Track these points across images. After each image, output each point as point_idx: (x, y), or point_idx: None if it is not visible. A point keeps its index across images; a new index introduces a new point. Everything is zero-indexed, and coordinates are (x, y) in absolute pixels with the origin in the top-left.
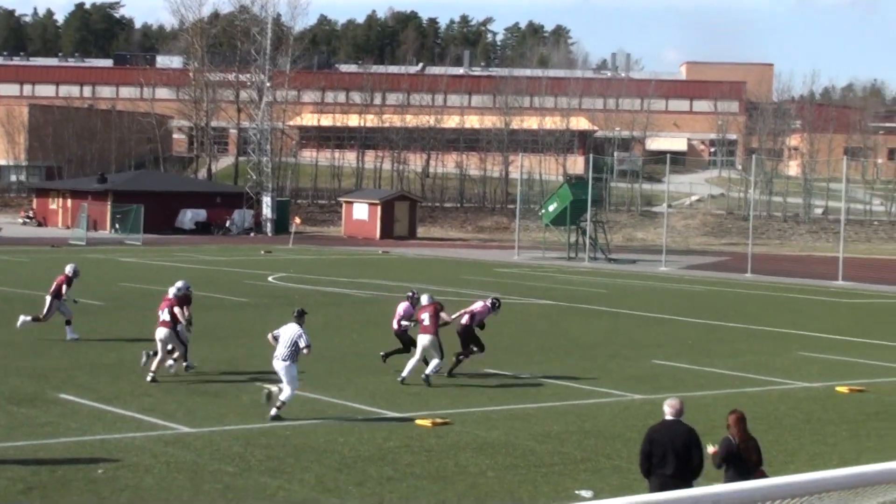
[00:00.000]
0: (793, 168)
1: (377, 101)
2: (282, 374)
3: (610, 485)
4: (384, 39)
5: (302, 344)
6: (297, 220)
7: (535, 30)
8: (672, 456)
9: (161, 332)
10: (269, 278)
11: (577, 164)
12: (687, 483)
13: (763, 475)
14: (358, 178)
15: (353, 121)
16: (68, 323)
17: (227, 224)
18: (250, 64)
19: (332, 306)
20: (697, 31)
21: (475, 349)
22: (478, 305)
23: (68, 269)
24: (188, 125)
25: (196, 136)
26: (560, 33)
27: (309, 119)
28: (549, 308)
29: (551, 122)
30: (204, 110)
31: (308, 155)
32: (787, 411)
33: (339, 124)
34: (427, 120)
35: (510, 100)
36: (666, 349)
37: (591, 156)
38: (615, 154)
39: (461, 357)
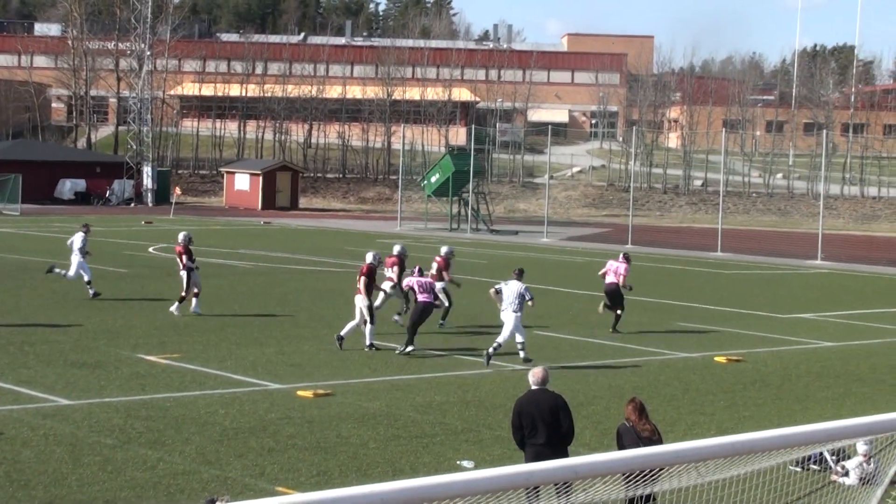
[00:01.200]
0: (673, 140)
1: (259, 70)
2: (511, 323)
3: (491, 455)
4: (266, 9)
5: (528, 297)
6: (178, 191)
7: (417, 0)
8: (542, 425)
9: None
10: (150, 249)
11: (459, 135)
12: (561, 450)
13: None
14: (239, 148)
15: (235, 90)
16: None
17: (108, 194)
18: (130, 32)
19: (214, 277)
20: (579, 2)
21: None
22: (619, 266)
23: None
24: (67, 94)
25: (75, 105)
26: (442, 4)
27: (190, 88)
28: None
29: (433, 93)
30: (83, 79)
31: (189, 125)
32: (666, 381)
33: (220, 94)
34: (309, 90)
35: (392, 70)
36: (547, 320)
37: (473, 127)
38: (497, 125)
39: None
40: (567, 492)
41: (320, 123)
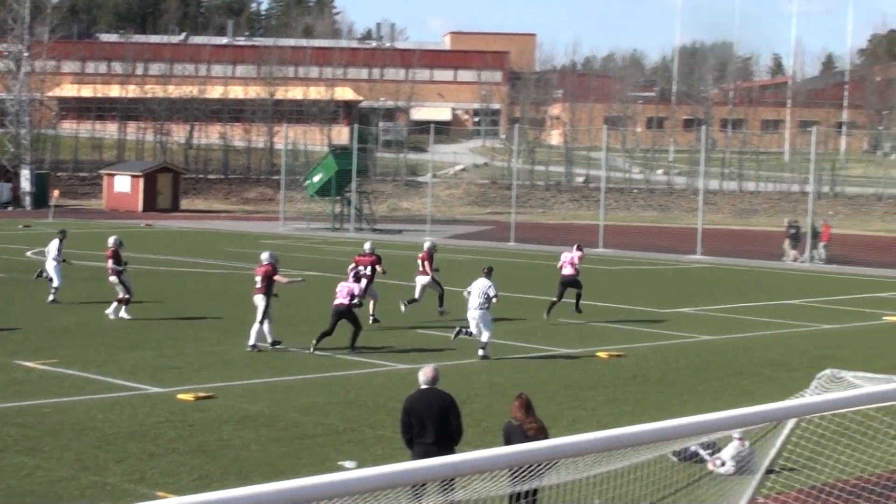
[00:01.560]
0: (555, 137)
1: (139, 71)
2: (478, 321)
3: (374, 454)
4: (146, 9)
5: (492, 293)
6: (56, 193)
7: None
8: (431, 424)
9: None
10: (28, 253)
11: (342, 134)
12: (449, 449)
13: None
14: (120, 149)
15: (115, 91)
16: None
17: None
18: (7, 33)
19: (92, 280)
20: (462, 1)
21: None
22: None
23: None
24: None
25: None
26: (324, 3)
27: (69, 90)
28: (314, 279)
29: (316, 93)
30: None
31: (68, 126)
32: (547, 378)
33: (100, 95)
34: (190, 90)
35: (274, 70)
36: (431, 318)
37: (355, 126)
38: (380, 124)
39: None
40: (450, 489)
41: (202, 124)
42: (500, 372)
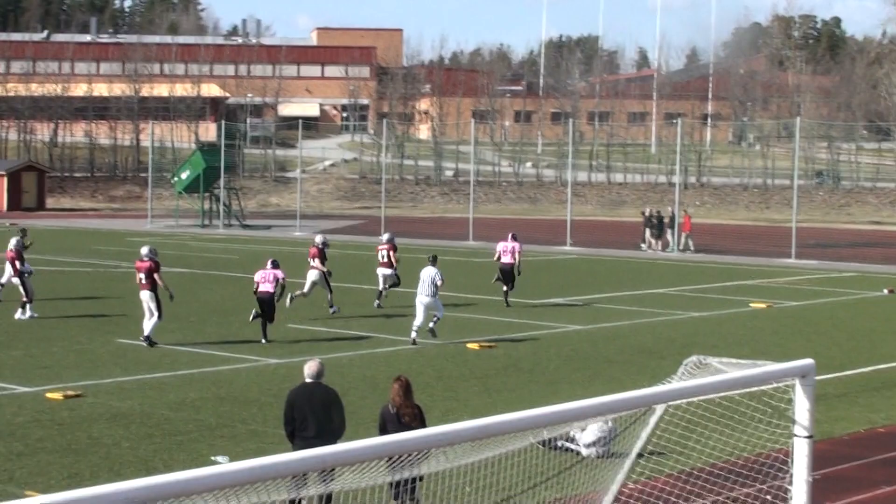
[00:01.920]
0: (423, 132)
1: (1, 69)
2: (429, 308)
3: (246, 449)
4: (7, 6)
5: (438, 281)
6: None
7: None
8: (313, 418)
9: None
10: None
11: (209, 131)
12: (331, 444)
13: None
14: None
15: None
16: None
17: None
18: None
19: None
20: None
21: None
22: (514, 246)
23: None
24: None
25: None
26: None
27: None
28: (183, 276)
29: (182, 89)
30: None
31: None
32: (420, 369)
33: None
34: (54, 88)
35: (139, 67)
36: (301, 313)
37: (223, 122)
38: (248, 120)
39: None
40: (330, 480)
41: (66, 122)
42: (373, 365)
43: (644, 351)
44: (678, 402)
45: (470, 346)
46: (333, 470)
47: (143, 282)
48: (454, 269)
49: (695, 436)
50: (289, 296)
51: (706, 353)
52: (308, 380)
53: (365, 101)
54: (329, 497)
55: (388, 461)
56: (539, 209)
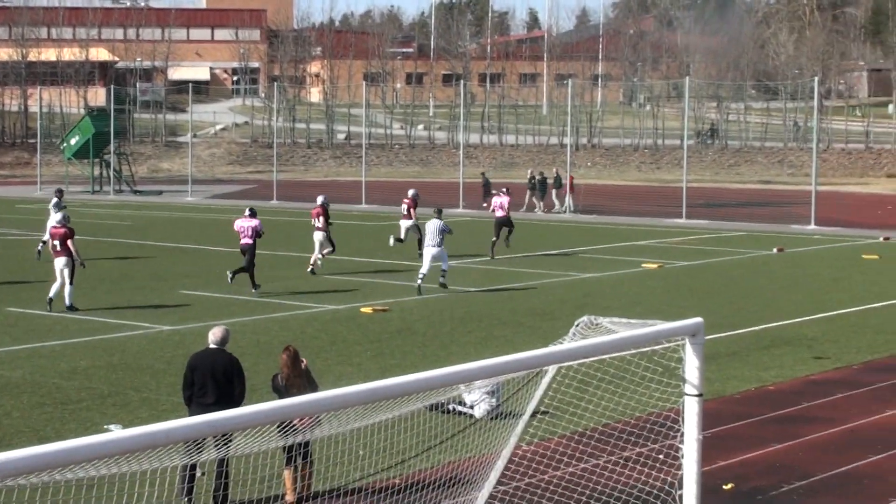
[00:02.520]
0: (315, 95)
1: None
2: (435, 258)
3: (139, 417)
4: None
5: (446, 231)
6: None
7: None
8: (213, 385)
9: None
10: None
11: (98, 95)
12: None
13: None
14: None
15: None
16: None
17: None
18: None
19: None
20: None
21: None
22: (503, 200)
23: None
24: None
25: None
26: None
27: None
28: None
29: (70, 54)
30: None
31: None
32: (313, 334)
33: None
34: None
35: (26, 31)
36: (193, 279)
37: (112, 87)
38: (137, 85)
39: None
40: (226, 445)
41: None
42: (267, 331)
43: (537, 313)
44: (570, 363)
45: (364, 310)
46: (230, 436)
47: (59, 248)
48: (348, 233)
49: (587, 396)
50: (315, 262)
51: (599, 313)
52: (212, 345)
53: (255, 65)
54: (224, 461)
55: (279, 426)
56: (431, 171)
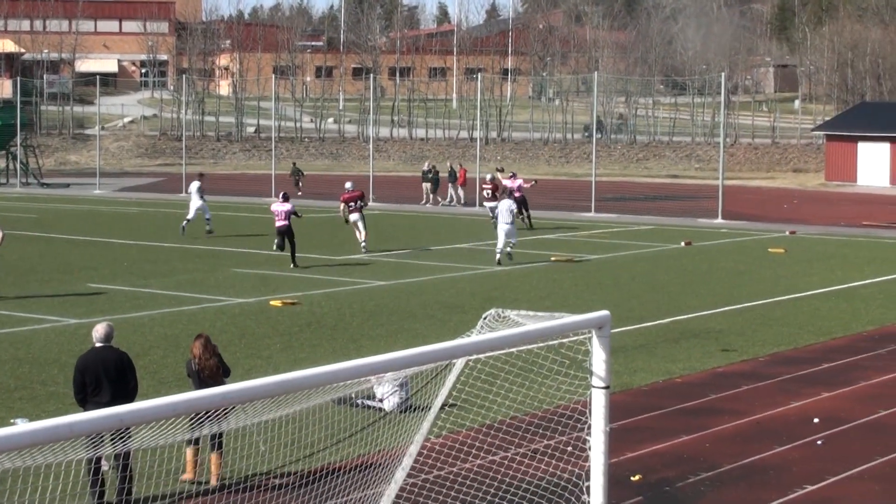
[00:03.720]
0: (224, 88)
1: None
2: (508, 234)
3: (46, 411)
4: None
5: (514, 208)
6: None
7: None
8: (107, 382)
9: None
10: None
11: (4, 87)
12: None
13: None
14: None
15: None
16: None
17: None
18: None
19: None
20: None
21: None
22: (516, 182)
23: None
24: None
25: None
26: None
27: None
28: None
29: None
30: None
31: None
32: (222, 327)
33: None
34: None
35: None
36: (101, 272)
37: (18, 79)
38: (44, 77)
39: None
40: (127, 438)
41: None
42: (175, 324)
43: (446, 305)
44: (478, 355)
45: (273, 303)
46: (129, 429)
47: None
48: (257, 226)
49: (496, 388)
50: (362, 245)
51: (507, 306)
52: (98, 344)
53: (164, 57)
54: (127, 455)
55: (189, 419)
56: (342, 165)
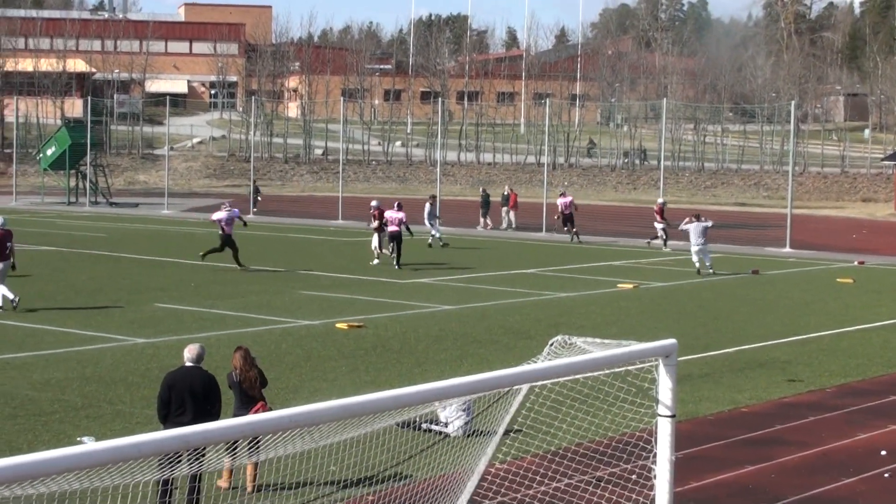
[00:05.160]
0: (293, 110)
1: None
2: (701, 252)
3: (112, 430)
4: None
5: (710, 225)
6: None
7: None
8: (191, 403)
9: None
10: None
11: (75, 106)
12: None
13: (263, 407)
14: None
15: None
16: None
17: None
18: None
19: None
20: None
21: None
22: (567, 200)
23: None
24: None
25: None
26: None
27: None
28: (49, 254)
29: (47, 64)
30: None
31: None
32: (288, 349)
33: None
34: None
35: (3, 41)
36: (169, 292)
37: (89, 98)
38: (115, 96)
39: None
40: (200, 459)
41: None
42: (242, 343)
43: (512, 331)
44: (544, 382)
45: (339, 325)
46: (203, 451)
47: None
48: (323, 248)
49: (561, 415)
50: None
51: (573, 333)
52: (188, 363)
53: (233, 79)
54: (197, 477)
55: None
56: (408, 188)
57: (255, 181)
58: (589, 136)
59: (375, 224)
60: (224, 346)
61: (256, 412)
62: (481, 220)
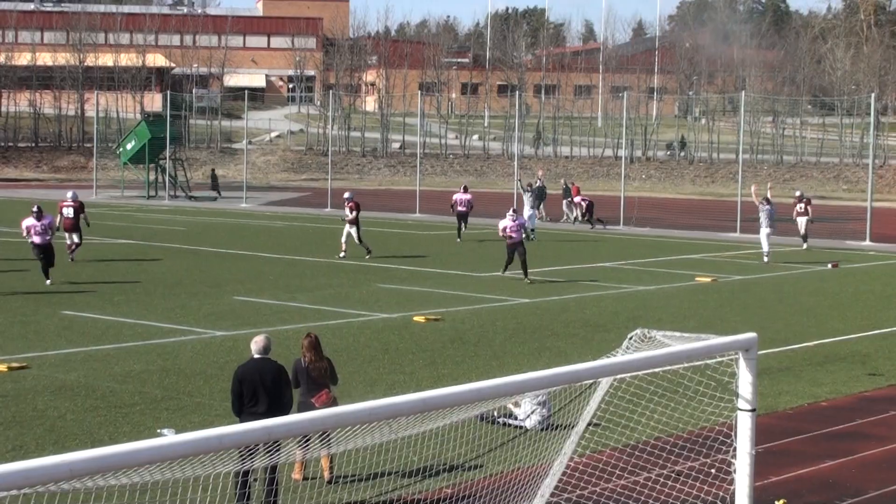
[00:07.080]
0: (370, 103)
1: None
2: (768, 236)
3: (192, 422)
4: None
5: (774, 212)
6: None
7: None
8: (263, 394)
9: None
10: None
11: (154, 101)
12: None
13: (328, 395)
14: None
15: None
16: None
17: None
18: None
19: None
20: None
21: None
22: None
23: None
24: None
25: None
26: None
27: None
28: (129, 247)
29: (127, 59)
30: None
31: None
32: (366, 342)
33: None
34: None
35: (84, 36)
36: (247, 285)
37: (168, 93)
38: (194, 91)
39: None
40: (276, 451)
41: (10, 91)
42: (320, 337)
43: (590, 324)
44: (623, 375)
45: (416, 318)
46: (280, 443)
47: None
48: (401, 242)
49: (640, 409)
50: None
51: (651, 326)
52: (256, 355)
53: (311, 73)
54: (274, 468)
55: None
56: (486, 182)
57: (213, 169)
58: (681, 133)
59: (352, 216)
60: (299, 338)
61: (320, 399)
62: (564, 211)
